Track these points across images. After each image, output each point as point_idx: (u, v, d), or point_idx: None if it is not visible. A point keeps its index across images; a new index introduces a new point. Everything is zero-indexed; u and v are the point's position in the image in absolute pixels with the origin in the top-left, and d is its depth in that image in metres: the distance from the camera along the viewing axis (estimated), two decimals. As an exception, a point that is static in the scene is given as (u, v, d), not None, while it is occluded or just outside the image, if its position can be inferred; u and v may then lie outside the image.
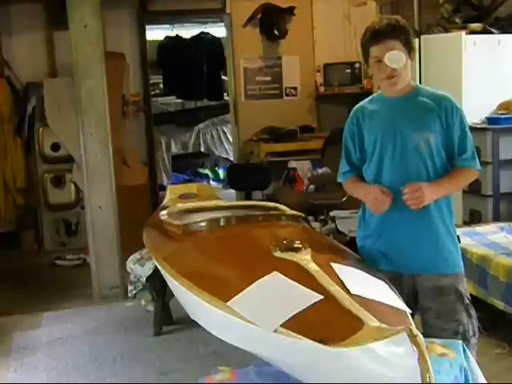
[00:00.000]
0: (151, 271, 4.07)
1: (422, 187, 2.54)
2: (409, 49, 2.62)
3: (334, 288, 2.16)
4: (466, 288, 2.74)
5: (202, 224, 3.09)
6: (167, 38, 9.50)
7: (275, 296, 2.21)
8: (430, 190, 2.56)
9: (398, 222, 2.65)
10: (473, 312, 2.69)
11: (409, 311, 2.24)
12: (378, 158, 2.68)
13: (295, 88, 7.68)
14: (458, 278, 2.69)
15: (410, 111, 2.65)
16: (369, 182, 2.74)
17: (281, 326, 2.00)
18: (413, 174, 2.61)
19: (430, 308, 2.67)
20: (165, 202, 4.46)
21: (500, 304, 3.82)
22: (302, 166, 6.94)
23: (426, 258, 2.65)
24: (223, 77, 9.28)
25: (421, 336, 1.87)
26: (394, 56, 2.56)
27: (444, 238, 2.67)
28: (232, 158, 8.67)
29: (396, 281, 2.56)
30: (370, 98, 2.83)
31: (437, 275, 2.65)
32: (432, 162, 2.63)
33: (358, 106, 2.83)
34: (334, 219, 5.43)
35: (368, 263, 2.69)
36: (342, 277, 2.29)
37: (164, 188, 5.93)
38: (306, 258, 2.41)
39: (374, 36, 2.60)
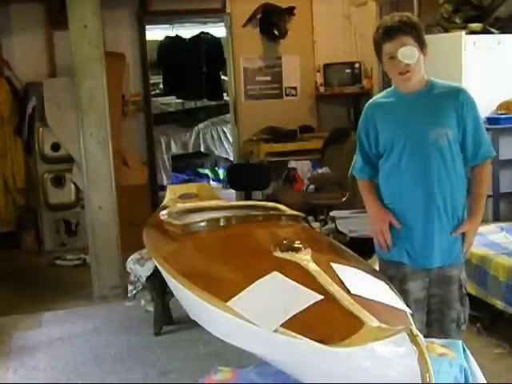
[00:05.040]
0: (151, 271, 4.07)
1: (467, 232, 2.74)
2: (421, 44, 2.65)
3: (334, 288, 2.16)
4: (466, 277, 2.84)
5: (202, 224, 3.09)
6: (167, 38, 9.49)
7: (275, 296, 2.21)
8: (474, 225, 2.77)
9: (419, 219, 2.71)
10: (466, 301, 2.81)
11: (409, 311, 2.24)
12: (397, 156, 2.71)
13: (295, 88, 7.68)
14: (462, 267, 2.81)
15: (427, 107, 2.69)
16: (387, 175, 2.77)
17: (281, 325, 2.00)
18: (433, 170, 2.66)
19: (436, 294, 2.76)
20: (165, 201, 4.47)
21: (500, 304, 3.82)
22: (302, 166, 6.94)
23: (443, 250, 2.73)
24: (223, 77, 9.28)
25: (421, 336, 1.88)
26: (407, 51, 2.59)
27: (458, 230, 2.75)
28: (232, 158, 8.67)
29: (417, 275, 2.69)
30: (383, 93, 2.85)
31: (448, 265, 2.74)
32: (451, 156, 2.68)
33: (371, 101, 2.85)
34: (334, 219, 5.43)
35: (388, 257, 2.76)
36: (341, 277, 2.30)
37: (164, 188, 5.93)
38: (306, 258, 2.41)
39: (387, 33, 2.63)
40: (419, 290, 2.72)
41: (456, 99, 2.67)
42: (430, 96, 2.70)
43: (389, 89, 2.84)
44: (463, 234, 2.77)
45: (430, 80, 2.76)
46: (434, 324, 2.76)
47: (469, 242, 2.75)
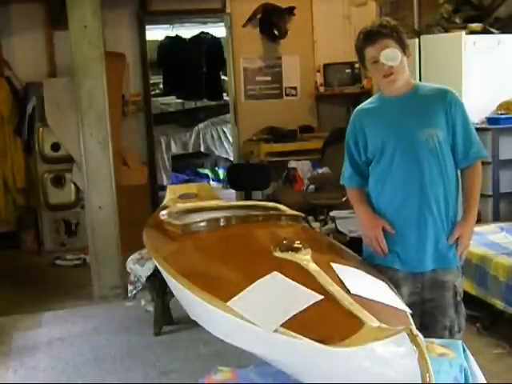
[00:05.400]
0: (151, 271, 4.07)
1: (461, 235, 2.69)
2: (403, 46, 2.65)
3: (334, 288, 2.16)
4: (461, 284, 2.80)
5: (202, 224, 3.09)
6: (167, 38, 9.50)
7: (275, 296, 2.21)
8: (468, 227, 2.71)
9: (411, 222, 2.69)
10: (461, 309, 2.77)
11: (409, 311, 2.24)
12: (388, 159, 2.70)
13: (295, 88, 7.68)
14: (457, 272, 2.76)
15: (415, 109, 2.68)
16: (377, 180, 2.76)
17: (281, 325, 2.00)
18: (425, 171, 2.65)
19: (432, 298, 2.73)
20: (165, 201, 4.47)
21: (500, 304, 3.82)
22: (302, 166, 6.94)
23: (436, 253, 2.70)
24: (223, 77, 9.28)
25: (421, 336, 1.87)
26: (389, 54, 2.60)
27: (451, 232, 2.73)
28: (232, 158, 8.67)
29: (409, 279, 2.65)
30: (370, 99, 2.85)
31: (442, 269, 2.71)
32: (442, 157, 2.66)
33: (358, 108, 2.85)
34: (334, 219, 5.43)
35: (378, 262, 2.72)
36: (341, 277, 2.30)
37: (164, 188, 5.93)
38: (306, 258, 2.41)
39: (368, 37, 2.65)
40: (407, 296, 2.68)
41: (443, 100, 2.66)
42: (416, 98, 2.70)
43: (375, 95, 2.84)
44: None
45: (415, 83, 2.77)
46: (429, 328, 2.70)
47: (464, 245, 2.72)
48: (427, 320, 2.71)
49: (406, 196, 2.68)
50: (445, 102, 2.66)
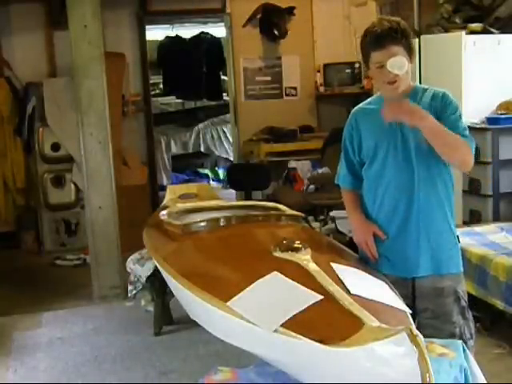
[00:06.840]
0: (151, 271, 4.07)
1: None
2: (409, 52, 2.59)
3: (334, 288, 2.16)
4: (465, 290, 2.74)
5: (202, 224, 3.09)
6: (167, 38, 9.51)
7: (275, 296, 2.21)
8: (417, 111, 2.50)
9: (402, 226, 2.64)
10: (469, 315, 2.70)
11: (409, 311, 2.24)
12: (381, 161, 2.67)
13: (295, 88, 7.68)
14: (457, 278, 2.69)
15: None
16: (370, 183, 2.74)
17: (281, 325, 2.00)
18: (416, 175, 2.61)
19: (427, 308, 2.66)
20: (165, 201, 4.47)
21: (500, 304, 3.83)
22: (302, 166, 6.94)
23: (429, 258, 2.64)
24: (223, 77, 9.28)
25: (421, 336, 1.87)
26: (397, 63, 2.52)
27: (446, 237, 2.67)
28: (232, 158, 8.68)
29: (398, 284, 2.57)
30: (368, 100, 2.82)
31: (438, 275, 2.64)
32: (435, 161, 2.62)
33: (356, 108, 2.82)
34: (334, 219, 5.43)
35: (371, 266, 2.69)
36: (341, 277, 2.30)
37: (164, 188, 5.93)
38: (306, 258, 2.41)
39: (376, 41, 2.54)
40: None
41: (437, 103, 2.61)
42: (413, 101, 2.63)
43: (373, 96, 2.80)
44: (456, 244, 2.70)
45: (415, 86, 2.71)
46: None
47: (392, 104, 2.53)
48: (427, 332, 2.53)
49: (397, 200, 2.64)
50: (436, 103, 2.60)
